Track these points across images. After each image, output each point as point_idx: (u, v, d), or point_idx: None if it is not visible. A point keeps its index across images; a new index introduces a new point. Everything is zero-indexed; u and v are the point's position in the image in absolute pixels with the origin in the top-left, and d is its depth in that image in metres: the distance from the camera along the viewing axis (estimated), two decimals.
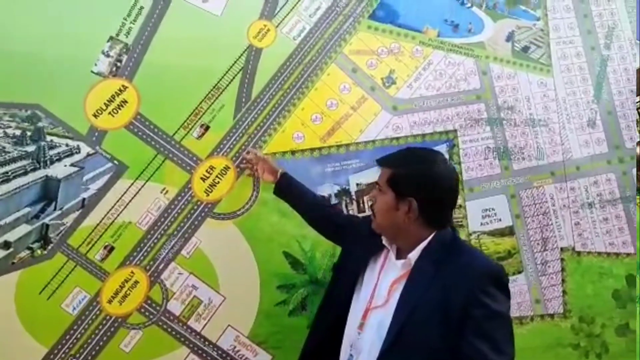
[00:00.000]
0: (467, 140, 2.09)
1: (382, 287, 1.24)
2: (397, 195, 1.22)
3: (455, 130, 2.07)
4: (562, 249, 2.18)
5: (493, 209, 2.10)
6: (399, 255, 1.26)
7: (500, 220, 2.12)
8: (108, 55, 1.68)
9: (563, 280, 2.17)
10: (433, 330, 1.12)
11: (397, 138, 2.00)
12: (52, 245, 1.61)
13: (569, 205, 2.21)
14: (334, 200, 1.91)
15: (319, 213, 1.69)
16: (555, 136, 2.22)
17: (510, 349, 1.10)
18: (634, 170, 2.32)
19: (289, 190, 1.74)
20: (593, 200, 2.25)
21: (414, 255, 1.21)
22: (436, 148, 2.01)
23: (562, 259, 2.18)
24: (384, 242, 1.29)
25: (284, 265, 1.84)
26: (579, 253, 2.20)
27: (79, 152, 1.65)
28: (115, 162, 1.68)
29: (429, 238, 1.22)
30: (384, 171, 1.27)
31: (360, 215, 1.92)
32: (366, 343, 1.20)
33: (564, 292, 2.17)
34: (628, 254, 2.27)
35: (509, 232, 2.12)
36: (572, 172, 2.23)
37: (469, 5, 2.15)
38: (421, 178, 1.21)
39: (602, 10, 2.35)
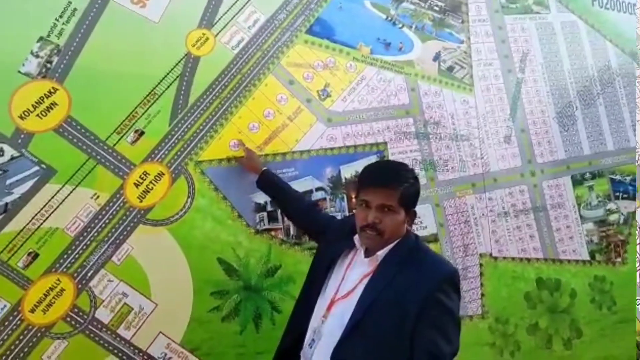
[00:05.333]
0: (396, 152, 2.21)
1: (347, 281, 1.36)
2: (405, 210, 1.35)
3: (386, 143, 2.19)
4: (480, 254, 2.37)
5: (419, 218, 2.23)
6: (367, 254, 1.38)
7: (425, 227, 2.26)
8: (37, 56, 1.63)
9: (481, 284, 2.35)
10: (390, 322, 1.25)
11: (332, 148, 2.09)
12: None
13: (487, 214, 2.40)
14: (269, 208, 1.96)
15: (300, 206, 1.81)
16: (475, 150, 2.40)
17: (457, 342, 1.27)
18: (544, 183, 2.56)
19: (271, 183, 1.84)
20: (508, 210, 2.46)
21: (382, 253, 1.34)
22: (367, 159, 2.13)
23: (480, 264, 2.36)
24: (356, 242, 1.40)
25: (218, 271, 1.85)
26: (495, 258, 2.40)
27: (3, 154, 1.58)
28: (43, 165, 1.62)
29: (398, 240, 1.36)
30: (390, 192, 1.31)
31: None
32: (327, 330, 1.32)
33: (482, 294, 2.34)
34: (538, 259, 2.49)
35: (434, 239, 2.27)
36: (490, 184, 2.42)
37: (400, 25, 2.30)
38: (418, 192, 1.40)
39: (517, 37, 2.59)
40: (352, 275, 1.36)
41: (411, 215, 1.38)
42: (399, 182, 1.33)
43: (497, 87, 2.50)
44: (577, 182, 2.64)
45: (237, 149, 1.91)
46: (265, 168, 1.87)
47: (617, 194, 2.75)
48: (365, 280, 1.32)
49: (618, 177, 2.76)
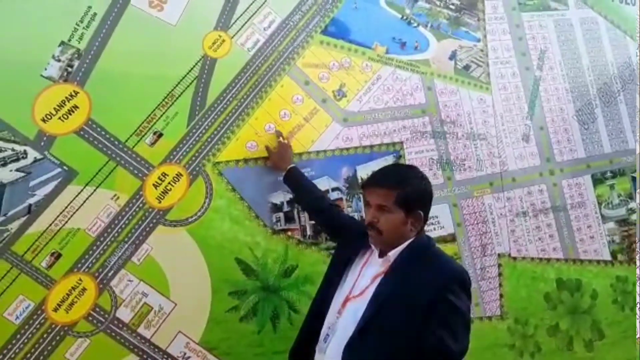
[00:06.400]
0: (412, 151, 2.20)
1: (362, 280, 1.41)
2: (405, 211, 1.36)
3: (402, 142, 2.18)
4: (499, 254, 2.34)
5: (436, 217, 2.22)
6: (381, 254, 1.42)
7: (443, 227, 2.24)
8: (59, 60, 1.66)
9: (500, 284, 2.32)
10: (400, 320, 1.29)
11: (347, 149, 2.09)
12: None
13: (505, 214, 2.37)
14: (286, 208, 1.97)
15: (321, 206, 1.83)
16: (493, 149, 2.38)
17: (466, 341, 1.29)
18: (564, 182, 2.52)
19: (296, 180, 1.86)
20: (527, 209, 2.42)
21: (393, 254, 1.38)
22: (384, 159, 2.13)
23: (499, 264, 2.33)
24: (371, 243, 1.44)
25: (236, 271, 1.87)
26: (514, 259, 2.37)
27: (26, 157, 1.61)
28: (65, 167, 1.65)
29: (409, 241, 1.39)
30: (386, 192, 1.37)
31: None
32: (341, 325, 1.36)
33: (500, 295, 2.32)
34: (558, 259, 2.45)
35: (451, 239, 2.25)
36: (508, 183, 2.39)
37: (415, 24, 2.29)
38: (423, 193, 1.42)
39: (535, 34, 2.56)
40: (366, 275, 1.41)
41: (415, 217, 1.39)
42: (394, 183, 1.37)
43: (514, 85, 2.47)
44: (597, 180, 2.59)
45: (254, 150, 1.92)
46: (293, 165, 1.89)
47: None
48: (378, 280, 1.37)
49: None
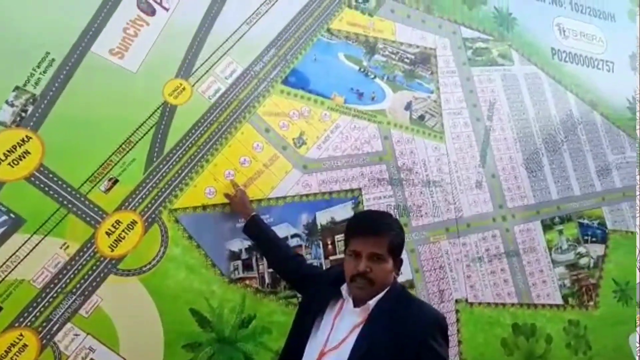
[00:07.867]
0: (370, 198, 2.24)
1: (337, 332, 1.35)
2: (393, 258, 1.38)
3: (360, 189, 2.23)
4: (456, 300, 2.37)
5: None
6: (356, 304, 1.38)
7: (402, 274, 2.25)
8: (12, 105, 1.62)
9: (458, 330, 2.34)
10: None
11: (307, 195, 2.11)
12: None
13: (461, 259, 2.43)
14: (244, 256, 1.94)
15: (285, 255, 1.80)
16: (448, 196, 2.46)
17: None
18: (515, 228, 2.62)
19: (259, 230, 1.84)
20: (482, 254, 2.49)
21: (373, 302, 1.35)
22: (342, 205, 2.15)
23: (457, 310, 2.36)
24: (343, 292, 1.41)
25: (191, 323, 1.80)
26: (471, 304, 2.40)
27: None
28: (11, 215, 1.58)
29: (387, 289, 1.38)
30: (380, 240, 1.36)
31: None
32: None
33: (459, 341, 2.33)
34: (513, 304, 2.51)
35: (410, 285, 2.26)
36: (463, 229, 2.46)
37: (372, 76, 2.39)
38: (404, 238, 1.45)
39: (484, 87, 2.71)
40: (342, 326, 1.36)
41: (398, 264, 1.42)
42: (387, 231, 1.38)
43: (466, 135, 2.59)
44: (547, 226, 2.70)
45: (212, 196, 1.91)
46: (254, 213, 1.87)
47: (586, 237, 2.82)
48: (357, 330, 1.32)
49: (586, 221, 2.84)
